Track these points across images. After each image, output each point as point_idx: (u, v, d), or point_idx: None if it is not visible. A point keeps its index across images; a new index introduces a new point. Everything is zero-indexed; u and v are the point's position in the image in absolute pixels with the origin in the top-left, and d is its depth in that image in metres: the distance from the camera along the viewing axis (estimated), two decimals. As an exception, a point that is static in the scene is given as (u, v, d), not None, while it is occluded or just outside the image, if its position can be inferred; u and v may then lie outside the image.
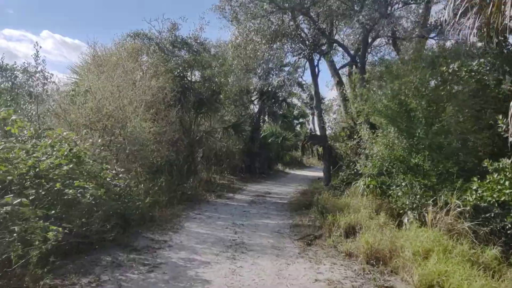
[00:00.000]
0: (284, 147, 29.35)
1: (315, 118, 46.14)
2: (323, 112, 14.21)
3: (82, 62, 12.31)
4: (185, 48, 15.73)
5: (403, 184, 8.52)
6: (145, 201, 9.39)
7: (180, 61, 15.60)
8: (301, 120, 37.09)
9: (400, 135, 8.84)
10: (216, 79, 16.95)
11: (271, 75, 24.12)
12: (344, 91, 14.04)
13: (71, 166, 7.01)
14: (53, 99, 11.74)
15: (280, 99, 25.83)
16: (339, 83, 14.20)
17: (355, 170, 11.05)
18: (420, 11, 12.97)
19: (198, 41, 16.14)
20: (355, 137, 11.13)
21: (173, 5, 79.46)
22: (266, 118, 26.35)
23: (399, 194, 8.54)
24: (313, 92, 13.91)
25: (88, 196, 6.68)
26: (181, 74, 15.62)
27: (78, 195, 6.55)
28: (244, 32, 13.08)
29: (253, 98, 25.44)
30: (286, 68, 24.21)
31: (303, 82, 24.96)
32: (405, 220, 8.52)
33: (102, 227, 7.17)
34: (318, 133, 13.82)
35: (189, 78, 16.29)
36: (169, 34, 15.64)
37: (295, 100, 26.68)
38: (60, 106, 9.71)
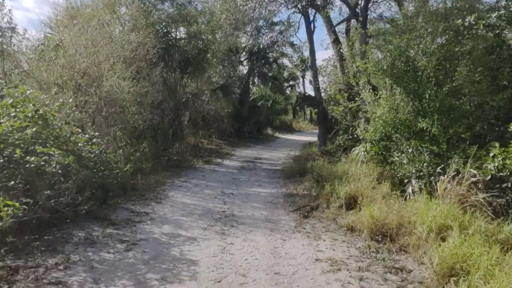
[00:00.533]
0: (274, 110, 28.43)
1: (306, 80, 45.13)
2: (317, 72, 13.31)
3: (54, 14, 11.04)
4: (168, 0, 14.43)
5: (409, 150, 7.74)
6: (124, 168, 8.50)
7: (164, 15, 14.35)
8: (291, 82, 35.98)
9: (406, 97, 7.99)
10: (203, 36, 15.77)
11: (261, 34, 22.92)
12: (341, 50, 13.07)
13: (35, 129, 6.07)
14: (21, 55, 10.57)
15: (271, 60, 24.68)
16: (336, 41, 13.18)
17: (354, 135, 10.26)
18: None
19: (183, -7, 14.82)
20: (356, 99, 10.25)
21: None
22: (255, 80, 25.27)
23: (404, 161, 7.78)
24: (306, 53, 12.84)
25: (54, 164, 5.78)
26: (165, 30, 14.41)
27: (42, 163, 5.65)
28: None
29: (242, 59, 24.26)
30: (278, 27, 23.04)
31: (295, 43, 23.77)
32: (409, 190, 7.83)
33: (74, 199, 6.30)
34: (312, 94, 12.88)
35: (173, 35, 15.06)
36: (151, -15, 14.29)
37: (286, 62, 25.56)
38: (28, 62, 8.60)
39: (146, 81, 10.52)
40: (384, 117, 8.20)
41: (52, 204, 5.84)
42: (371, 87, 9.04)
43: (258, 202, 8.64)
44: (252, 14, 14.63)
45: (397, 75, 7.98)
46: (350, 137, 10.45)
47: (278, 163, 15.11)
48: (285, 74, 31.63)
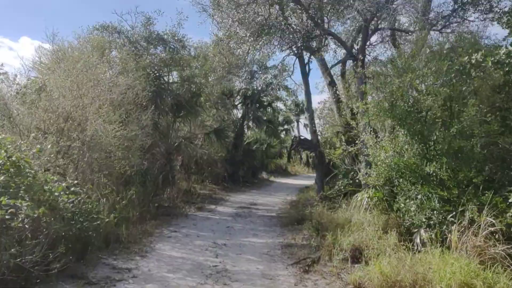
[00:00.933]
0: (269, 154, 27.91)
1: (301, 124, 45.04)
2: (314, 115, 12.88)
3: (39, 57, 10.64)
4: (161, 45, 14.19)
5: (418, 196, 7.12)
6: (107, 219, 7.77)
7: (156, 59, 14.06)
8: (286, 126, 35.74)
9: (411, 139, 7.46)
10: (196, 80, 15.45)
11: (255, 78, 22.79)
12: (337, 92, 12.71)
13: (2, 178, 5.42)
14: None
15: (265, 103, 24.43)
16: (331, 83, 12.85)
17: (354, 180, 9.65)
18: (420, 4, 11.73)
19: (176, 37, 14.60)
20: (356, 141, 9.72)
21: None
22: (250, 124, 24.90)
23: (412, 208, 7.13)
24: (301, 96, 12.49)
25: (22, 217, 5.09)
26: (157, 74, 14.05)
27: (8, 216, 4.95)
28: (226, 23, 11.58)
29: (236, 102, 24.00)
30: (272, 71, 22.94)
31: (289, 86, 23.62)
32: (417, 240, 7.15)
33: (45, 256, 5.55)
34: (308, 138, 12.38)
35: (165, 79, 14.72)
36: (143, 29, 14.08)
37: (280, 105, 25.35)
38: (6, 105, 8.07)
39: (135, 125, 9.96)
40: (387, 161, 7.63)
41: (18, 263, 5.10)
42: (371, 129, 8.54)
43: (253, 254, 7.88)
44: (246, 57, 14.32)
45: (400, 116, 7.49)
46: (351, 181, 9.83)
47: (274, 209, 14.37)
48: (280, 118, 31.39)
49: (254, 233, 9.80)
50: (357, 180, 9.71)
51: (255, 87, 23.34)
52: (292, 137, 11.72)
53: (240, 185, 21.97)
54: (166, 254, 7.74)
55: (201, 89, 15.93)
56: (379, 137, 8.40)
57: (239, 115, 24.23)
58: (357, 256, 7.01)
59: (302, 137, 11.97)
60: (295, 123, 40.53)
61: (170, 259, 7.41)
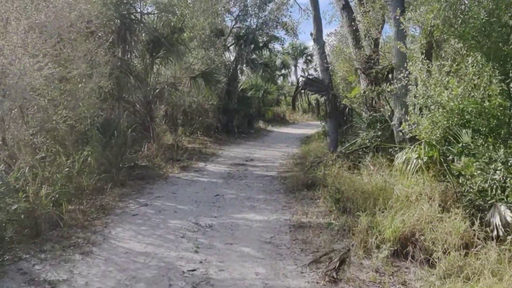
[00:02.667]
0: (266, 101, 25.04)
1: (298, 69, 41.66)
2: (317, 54, 9.78)
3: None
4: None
5: (502, 156, 4.46)
6: (32, 196, 5.14)
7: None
8: (283, 71, 32.59)
9: (493, 69, 4.69)
10: (177, 10, 12.31)
11: (249, 15, 19.48)
12: (353, 19, 9.73)
13: None
14: None
15: (261, 44, 21.20)
16: (346, 8, 9.80)
17: (386, 132, 6.97)
18: None
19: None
20: (391, 78, 6.90)
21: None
22: (244, 68, 21.81)
23: (496, 175, 4.49)
24: (302, 34, 9.44)
25: None
26: (126, 2, 10.90)
27: None
28: None
29: (228, 44, 20.77)
30: (270, 5, 19.60)
31: (288, 23, 20.26)
32: (495, 220, 4.60)
33: None
34: (319, 76, 9.49)
35: (137, 9, 11.58)
36: None
37: (277, 46, 22.16)
38: None
39: (82, 62, 7.05)
40: (452, 103, 4.88)
41: None
42: (423, 56, 5.72)
43: (250, 244, 5.31)
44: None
45: (475, 31, 4.64)
46: (379, 134, 7.13)
47: (274, 165, 11.77)
48: (277, 61, 28.16)
49: (251, 204, 7.19)
50: (388, 132, 7.02)
51: (250, 25, 20.08)
52: (299, 77, 8.80)
53: (235, 137, 19.31)
54: (123, 247, 5.16)
55: (184, 23, 12.79)
56: (430, 70, 5.59)
57: (232, 58, 21.11)
58: (406, 245, 4.47)
59: (311, 76, 9.07)
60: (293, 68, 37.38)
61: (126, 257, 4.84)
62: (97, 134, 7.91)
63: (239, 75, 21.21)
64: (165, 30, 12.38)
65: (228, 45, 20.86)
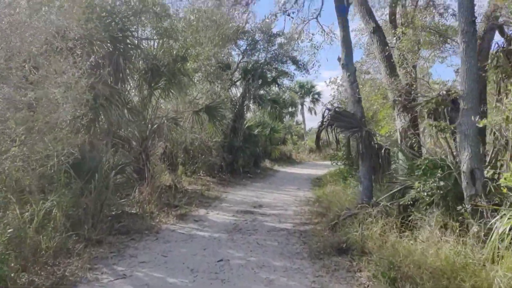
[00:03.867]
0: (273, 140, 23.33)
1: (305, 108, 40.11)
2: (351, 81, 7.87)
3: None
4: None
5: None
6: None
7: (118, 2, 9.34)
8: (290, 109, 31.07)
9: None
10: (180, 36, 10.76)
11: (257, 49, 18.06)
12: (386, 43, 8.09)
13: None
14: None
15: (269, 79, 19.69)
16: (376, 31, 8.17)
17: (451, 182, 5.09)
18: None
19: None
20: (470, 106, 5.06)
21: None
22: (251, 104, 20.20)
23: None
24: (339, 59, 7.52)
25: None
26: (120, 24, 9.33)
27: None
28: None
29: (234, 79, 19.27)
30: (278, 40, 18.22)
31: (298, 57, 18.80)
32: None
33: None
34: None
35: (133, 32, 10.01)
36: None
37: (286, 82, 20.64)
38: None
39: (52, 85, 5.30)
40: None
41: None
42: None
43: None
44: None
45: None
46: (440, 184, 5.19)
47: (288, 214, 9.82)
48: (286, 97, 26.59)
49: (267, 277, 5.19)
50: (450, 183, 5.12)
51: (258, 60, 18.63)
52: (324, 109, 7.08)
53: (240, 177, 17.44)
54: None
55: (187, 51, 11.23)
56: None
57: (238, 94, 19.54)
58: None
59: (338, 109, 7.27)
60: (299, 107, 35.94)
61: None
62: (66, 177, 6.03)
63: (246, 112, 19.55)
64: (166, 59, 10.80)
65: (235, 80, 19.36)
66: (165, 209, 9.49)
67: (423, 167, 5.40)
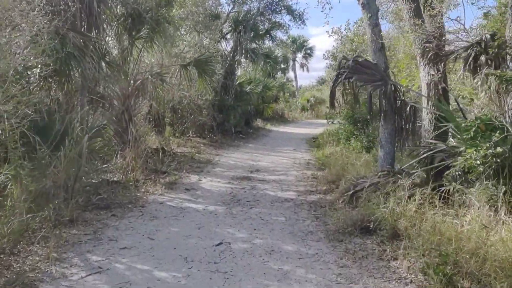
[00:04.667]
0: (265, 98, 22.02)
1: (297, 64, 38.34)
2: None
3: None
4: None
5: None
6: None
7: None
8: (282, 65, 29.46)
9: None
10: (163, -24, 9.21)
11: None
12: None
13: None
14: None
15: (262, 32, 18.09)
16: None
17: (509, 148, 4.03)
18: None
19: None
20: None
21: None
22: (242, 59, 18.67)
23: None
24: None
25: None
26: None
27: None
28: None
29: (224, 31, 17.63)
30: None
31: (293, 6, 17.13)
32: None
33: None
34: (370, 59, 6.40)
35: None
36: None
37: (280, 35, 18.97)
38: None
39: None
40: None
41: None
42: None
43: None
44: None
45: None
46: (499, 151, 4.09)
47: (290, 180, 8.80)
48: (278, 53, 24.90)
49: (279, 268, 4.13)
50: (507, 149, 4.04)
51: (250, 9, 16.97)
52: (340, 59, 5.88)
53: (232, 137, 16.30)
54: None
55: (172, -5, 9.71)
56: None
57: (229, 48, 17.98)
58: None
59: (360, 59, 5.99)
60: (291, 63, 34.34)
61: None
62: (26, 144, 4.80)
63: (236, 67, 18.08)
64: (148, 3, 9.29)
65: (225, 33, 17.72)
66: (152, 176, 8.39)
67: (474, 128, 4.31)
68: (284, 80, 36.16)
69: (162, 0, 9.54)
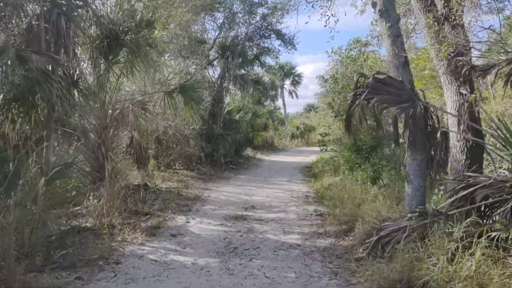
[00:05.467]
0: (255, 126, 21.02)
1: (285, 91, 37.66)
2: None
3: None
4: None
5: None
6: None
7: None
8: (271, 92, 28.63)
9: None
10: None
11: (237, 22, 15.62)
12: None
13: None
14: None
15: (250, 57, 17.25)
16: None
17: None
18: None
19: None
20: None
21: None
22: (230, 86, 17.73)
23: None
24: (373, 4, 5.25)
25: None
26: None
27: None
28: None
29: (211, 57, 16.74)
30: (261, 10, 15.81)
31: (283, 30, 16.39)
32: None
33: None
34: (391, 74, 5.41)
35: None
36: None
37: (269, 61, 18.14)
38: None
39: None
40: None
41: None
42: None
43: None
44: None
45: None
46: None
47: (292, 218, 7.66)
48: (266, 79, 24.04)
49: None
50: None
51: (237, 34, 16.17)
52: (357, 75, 4.95)
53: (221, 169, 15.15)
54: None
55: (154, 13, 8.74)
56: None
57: (216, 75, 17.07)
58: None
59: (381, 76, 4.93)
60: (279, 90, 33.68)
61: None
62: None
63: (225, 94, 17.12)
64: (127, 23, 8.29)
65: (212, 59, 16.82)
66: (131, 220, 7.14)
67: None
68: (272, 108, 35.42)
69: (142, 20, 8.55)
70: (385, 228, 4.82)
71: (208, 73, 16.60)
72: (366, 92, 4.66)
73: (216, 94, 16.26)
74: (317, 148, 25.12)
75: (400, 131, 5.11)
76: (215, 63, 17.00)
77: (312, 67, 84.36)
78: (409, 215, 4.76)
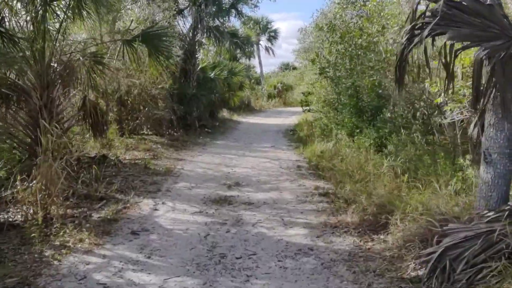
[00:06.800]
0: (232, 85, 18.90)
1: (261, 48, 35.21)
2: None
3: None
4: None
5: None
6: None
7: None
8: (248, 48, 26.22)
9: None
10: None
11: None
12: None
13: None
14: None
15: (226, 6, 14.89)
16: None
17: None
18: None
19: None
20: None
21: None
22: (203, 39, 15.42)
23: None
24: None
25: None
26: None
27: None
28: None
29: (181, 6, 14.31)
30: None
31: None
32: None
33: None
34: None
35: None
36: None
37: (247, 10, 15.82)
38: None
39: None
40: None
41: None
42: None
43: None
44: None
45: None
46: None
47: (289, 200, 5.97)
48: (242, 33, 21.50)
49: None
50: None
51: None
52: (416, 2, 3.25)
53: (196, 133, 13.24)
54: None
55: None
56: None
57: (188, 26, 14.73)
58: None
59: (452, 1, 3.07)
60: (255, 46, 31.26)
61: None
62: None
63: (197, 48, 14.85)
64: None
65: (182, 8, 14.40)
66: (80, 209, 5.28)
67: None
68: (248, 66, 33.06)
69: None
70: (451, 233, 3.15)
71: (179, 23, 14.24)
72: (432, 24, 2.85)
73: (188, 48, 14.03)
74: (296, 109, 23.46)
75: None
76: (185, 12, 14.59)
77: (286, 25, 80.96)
78: (489, 214, 3.11)
